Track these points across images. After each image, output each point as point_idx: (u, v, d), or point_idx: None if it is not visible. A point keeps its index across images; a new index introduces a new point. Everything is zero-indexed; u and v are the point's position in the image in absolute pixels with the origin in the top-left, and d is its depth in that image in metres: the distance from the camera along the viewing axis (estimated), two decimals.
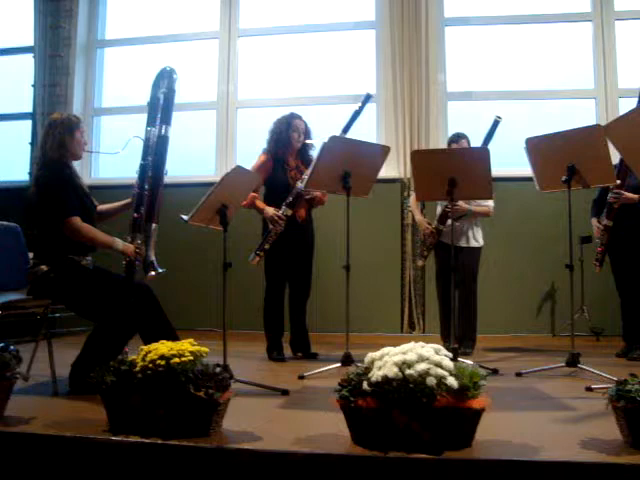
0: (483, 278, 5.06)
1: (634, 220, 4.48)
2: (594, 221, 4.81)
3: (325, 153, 3.99)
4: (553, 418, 2.89)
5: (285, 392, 3.40)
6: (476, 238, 4.93)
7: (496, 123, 4.66)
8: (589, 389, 3.39)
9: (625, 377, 2.48)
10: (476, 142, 4.77)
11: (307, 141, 4.63)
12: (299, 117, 4.63)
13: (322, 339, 5.22)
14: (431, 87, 6.34)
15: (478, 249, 4.94)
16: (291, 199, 4.45)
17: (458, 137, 4.94)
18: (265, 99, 6.82)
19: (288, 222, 4.45)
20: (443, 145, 6.04)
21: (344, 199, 4.06)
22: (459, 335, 4.90)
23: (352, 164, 3.99)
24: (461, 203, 4.68)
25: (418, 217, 5.11)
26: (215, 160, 6.88)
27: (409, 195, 5.94)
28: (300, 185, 4.44)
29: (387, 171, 6.05)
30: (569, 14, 6.63)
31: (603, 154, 3.74)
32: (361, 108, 4.51)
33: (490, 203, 4.84)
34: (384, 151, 4.22)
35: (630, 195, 4.50)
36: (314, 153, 4.61)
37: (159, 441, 2.39)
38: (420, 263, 5.21)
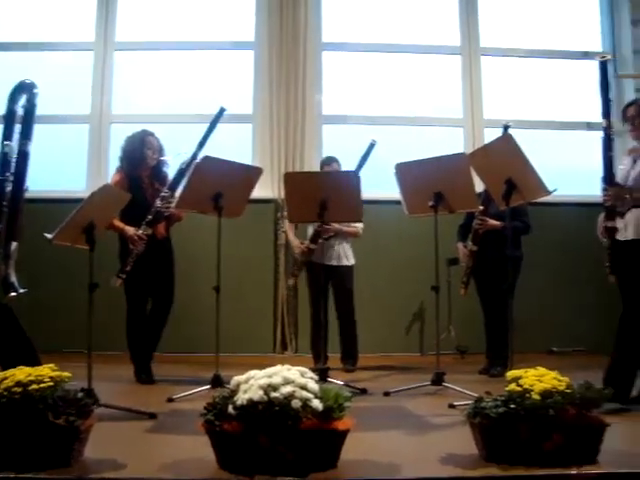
0: (355, 298, 5.17)
1: (498, 252, 4.68)
2: (460, 245, 5.03)
3: (197, 173, 3.97)
4: (417, 436, 3.00)
5: (153, 416, 3.32)
6: (347, 257, 5.07)
7: (371, 146, 4.80)
8: (452, 406, 3.53)
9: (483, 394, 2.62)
10: (351, 164, 4.88)
11: (161, 158, 4.58)
12: (152, 134, 4.59)
13: (192, 360, 5.16)
14: (307, 110, 6.44)
15: (350, 267, 5.08)
16: (151, 217, 4.35)
17: (329, 160, 5.08)
18: (140, 115, 6.67)
19: (148, 240, 4.36)
20: (318, 167, 6.16)
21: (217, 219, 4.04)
22: (342, 352, 5.04)
23: (224, 185, 3.98)
24: (332, 223, 4.79)
25: (291, 237, 5.20)
26: (86, 176, 6.63)
27: (282, 216, 6.01)
28: (159, 202, 4.37)
29: (261, 191, 6.04)
30: (441, 47, 6.97)
31: (467, 181, 3.94)
32: (215, 122, 4.48)
33: (359, 225, 4.98)
34: (256, 172, 4.25)
35: (494, 222, 4.74)
36: (168, 170, 4.59)
37: (12, 475, 2.26)
38: (291, 282, 5.30)
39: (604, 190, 3.68)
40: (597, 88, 3.79)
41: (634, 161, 3.72)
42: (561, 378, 2.50)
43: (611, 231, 3.68)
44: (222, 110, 4.49)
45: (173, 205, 4.30)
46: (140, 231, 4.32)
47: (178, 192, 4.30)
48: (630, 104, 3.86)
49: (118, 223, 4.33)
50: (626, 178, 3.70)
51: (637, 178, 3.64)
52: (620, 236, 3.66)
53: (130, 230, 4.33)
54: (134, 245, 4.31)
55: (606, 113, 3.72)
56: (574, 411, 2.41)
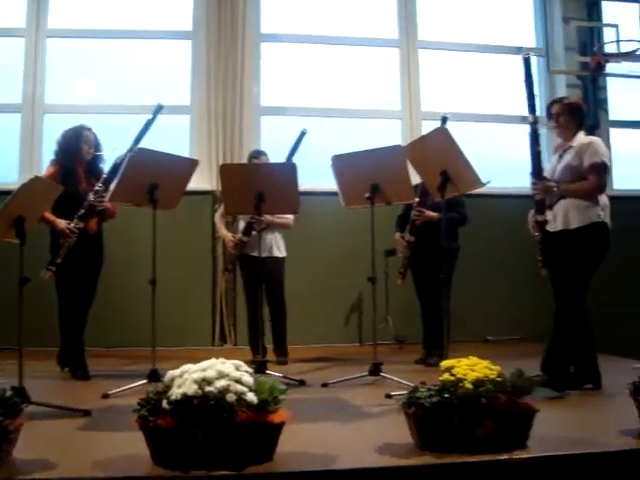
0: (293, 290, 5.18)
1: (435, 243, 4.77)
2: (397, 236, 5.07)
3: (131, 165, 3.91)
4: (353, 426, 3.02)
5: (87, 413, 3.25)
6: (279, 248, 5.06)
7: (302, 135, 4.80)
8: (389, 396, 3.56)
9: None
10: (284, 155, 4.88)
11: (97, 153, 4.53)
12: (89, 129, 4.54)
13: (130, 354, 5.09)
14: (245, 101, 6.40)
15: (282, 259, 5.07)
16: (83, 211, 4.30)
17: (258, 153, 5.07)
18: (75, 105, 6.51)
19: (79, 235, 4.30)
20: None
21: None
22: (273, 345, 5.03)
23: (159, 176, 3.92)
24: (265, 215, 4.78)
25: (223, 232, 5.18)
26: (19, 167, 6.44)
27: (216, 208, 5.98)
28: (92, 197, 4.32)
29: (199, 183, 5.99)
30: (379, 39, 7.03)
31: (403, 173, 3.99)
32: (152, 119, 4.44)
33: (290, 216, 4.97)
34: (192, 164, 4.22)
35: (431, 213, 4.79)
36: (104, 166, 4.54)
37: None
38: (226, 276, 5.27)
39: (533, 184, 3.79)
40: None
41: (560, 157, 3.85)
42: (492, 367, 2.55)
43: (542, 224, 3.79)
44: (160, 107, 4.44)
45: (107, 198, 4.23)
46: (72, 224, 4.25)
47: (112, 186, 4.23)
48: (554, 101, 3.99)
49: (49, 216, 4.24)
50: (553, 173, 3.83)
51: (563, 171, 3.77)
52: (550, 227, 3.77)
53: (61, 223, 4.26)
54: (65, 238, 4.24)
55: (531, 108, 3.84)
56: (505, 398, 2.46)
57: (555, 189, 3.74)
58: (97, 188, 4.32)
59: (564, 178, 3.75)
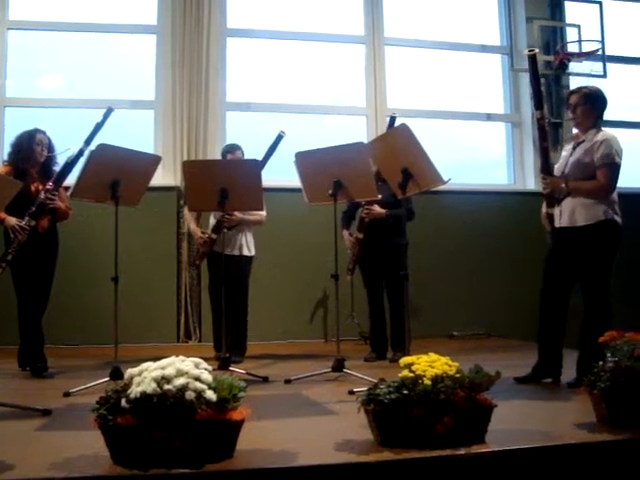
0: (258, 286, 5.17)
1: (381, 237, 4.83)
2: (345, 233, 5.08)
3: (92, 161, 3.88)
4: (314, 423, 3.03)
5: (47, 412, 3.19)
6: (248, 247, 5.00)
7: (279, 138, 4.76)
8: (351, 392, 3.55)
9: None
10: (255, 151, 4.85)
11: (50, 154, 4.53)
12: (43, 132, 4.56)
13: (93, 352, 5.03)
14: (210, 97, 6.35)
15: (249, 258, 5.02)
16: (34, 209, 4.31)
17: (232, 148, 5.01)
18: (37, 99, 6.42)
19: (31, 233, 4.30)
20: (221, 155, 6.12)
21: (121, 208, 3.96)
22: (230, 344, 4.97)
23: (121, 172, 3.90)
24: (236, 212, 4.76)
25: (192, 227, 5.14)
26: None
27: (185, 204, 5.93)
28: (42, 195, 4.33)
29: (163, 179, 6.00)
30: (345, 36, 7.05)
31: (366, 170, 4.00)
32: (102, 121, 4.41)
33: (262, 212, 4.93)
34: (155, 160, 4.20)
35: (379, 210, 4.82)
36: (57, 167, 4.52)
37: None
38: (193, 271, 5.25)
39: (543, 179, 3.82)
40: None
41: (574, 148, 3.82)
42: (452, 363, 2.58)
43: (552, 217, 3.85)
44: (110, 110, 4.42)
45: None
46: (23, 222, 4.26)
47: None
48: (572, 92, 3.89)
49: (0, 214, 4.23)
50: (565, 165, 3.82)
51: (573, 167, 3.75)
52: (555, 222, 3.81)
53: (12, 220, 4.27)
54: (15, 235, 4.26)
55: (538, 104, 3.81)
56: (463, 394, 2.50)
57: (563, 185, 3.74)
58: (48, 187, 4.35)
59: (574, 174, 3.73)
